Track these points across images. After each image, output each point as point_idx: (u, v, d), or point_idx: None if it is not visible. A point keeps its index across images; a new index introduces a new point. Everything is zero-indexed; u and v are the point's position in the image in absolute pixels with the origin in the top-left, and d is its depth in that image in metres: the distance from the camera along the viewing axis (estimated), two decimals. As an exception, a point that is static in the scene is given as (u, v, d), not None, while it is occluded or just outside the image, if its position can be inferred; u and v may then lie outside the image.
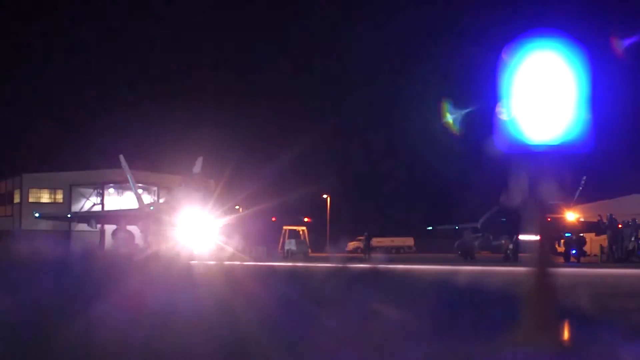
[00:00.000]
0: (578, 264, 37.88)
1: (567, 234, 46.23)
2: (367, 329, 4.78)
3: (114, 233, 57.68)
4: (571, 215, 47.71)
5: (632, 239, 41.56)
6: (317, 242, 76.44)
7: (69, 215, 68.04)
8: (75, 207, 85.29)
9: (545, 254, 4.29)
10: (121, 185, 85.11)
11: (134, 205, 66.87)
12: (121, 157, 65.74)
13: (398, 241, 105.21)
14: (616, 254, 41.42)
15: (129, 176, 66.53)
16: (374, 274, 6.42)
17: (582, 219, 51.19)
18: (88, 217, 63.66)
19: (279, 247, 59.61)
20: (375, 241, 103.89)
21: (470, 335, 5.06)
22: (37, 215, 67.80)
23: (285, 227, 67.03)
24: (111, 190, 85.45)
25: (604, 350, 4.43)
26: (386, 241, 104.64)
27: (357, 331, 4.70)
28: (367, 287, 5.85)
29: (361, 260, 17.97)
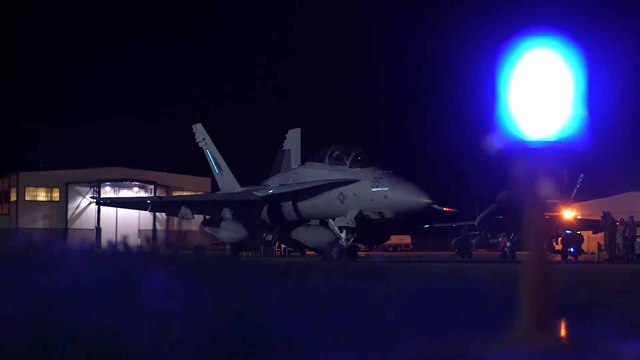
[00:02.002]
0: (575, 262, 37.91)
1: (567, 232, 46.20)
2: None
3: (212, 223, 43.24)
4: (568, 213, 47.73)
5: (639, 239, 41.67)
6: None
7: (148, 201, 50.67)
8: (72, 206, 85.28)
9: (542, 252, 4.29)
10: (118, 183, 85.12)
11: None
12: (199, 126, 52.09)
13: (395, 239, 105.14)
14: (613, 252, 41.49)
15: (207, 151, 51.88)
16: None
17: (579, 217, 51.22)
18: (176, 202, 46.82)
19: (276, 246, 59.47)
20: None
21: (466, 333, 5.06)
22: (98, 198, 53.34)
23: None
24: (107, 188, 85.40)
25: (602, 348, 4.43)
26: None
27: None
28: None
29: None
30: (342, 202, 36.29)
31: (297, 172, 41.60)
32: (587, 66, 4.14)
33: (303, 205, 39.15)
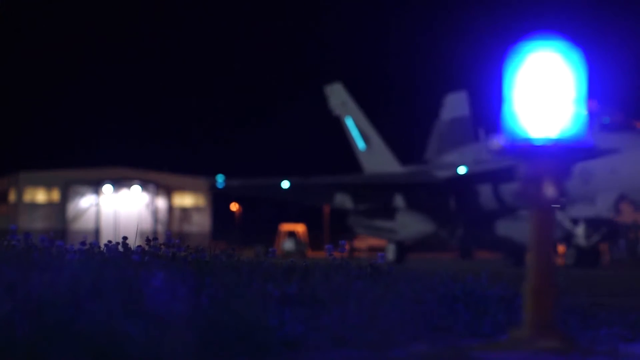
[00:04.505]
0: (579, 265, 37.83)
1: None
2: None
3: (380, 214, 30.15)
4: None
5: None
6: (321, 240, 75.55)
7: (284, 186, 33.43)
8: (72, 206, 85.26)
9: (547, 253, 4.27)
10: (119, 182, 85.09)
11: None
12: (336, 87, 39.25)
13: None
14: (617, 255, 41.43)
15: (348, 120, 39.20)
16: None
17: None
18: (325, 186, 32.08)
19: (276, 246, 59.56)
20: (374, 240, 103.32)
21: (470, 335, 5.04)
22: (220, 182, 38.45)
23: (282, 226, 67.07)
24: (108, 188, 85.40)
25: (605, 350, 4.40)
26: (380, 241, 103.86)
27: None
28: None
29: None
30: (585, 183, 24.57)
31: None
32: (590, 67, 4.17)
33: (513, 188, 27.20)
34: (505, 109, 4.13)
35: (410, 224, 30.83)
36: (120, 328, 4.06)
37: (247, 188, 43.64)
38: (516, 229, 28.55)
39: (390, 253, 32.00)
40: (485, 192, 28.87)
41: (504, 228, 29.30)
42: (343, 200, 33.12)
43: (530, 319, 4.23)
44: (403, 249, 32.28)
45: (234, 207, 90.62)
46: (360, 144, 39.38)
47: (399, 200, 31.19)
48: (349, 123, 39.71)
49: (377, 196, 32.22)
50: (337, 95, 40.11)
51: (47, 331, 4.01)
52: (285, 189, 35.16)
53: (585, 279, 17.45)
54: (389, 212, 31.54)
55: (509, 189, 27.65)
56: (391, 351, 4.34)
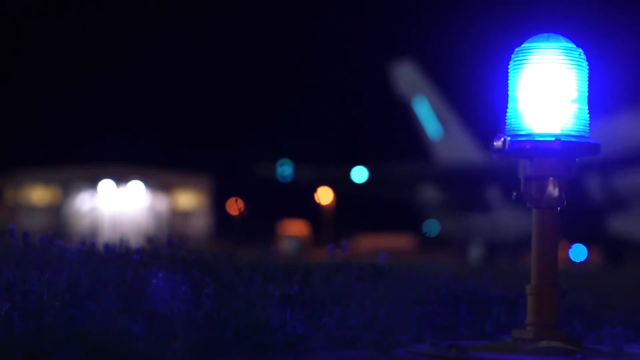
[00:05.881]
0: (581, 264, 37.92)
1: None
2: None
3: (473, 209, 26.97)
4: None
5: None
6: (324, 240, 75.18)
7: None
8: (72, 205, 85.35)
9: (550, 253, 4.25)
10: (119, 179, 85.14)
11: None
12: (404, 67, 34.75)
13: (392, 241, 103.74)
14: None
15: (419, 102, 34.34)
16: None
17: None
18: (396, 179, 28.87)
19: (277, 246, 59.63)
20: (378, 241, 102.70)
21: (473, 335, 5.03)
22: (285, 174, 33.56)
23: (283, 225, 67.18)
24: (108, 186, 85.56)
25: (609, 350, 4.38)
26: (382, 241, 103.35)
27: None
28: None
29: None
30: None
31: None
32: (594, 65, 4.17)
33: (626, 180, 22.74)
34: (509, 107, 4.14)
35: (506, 221, 27.48)
36: (120, 327, 4.05)
37: (322, 179, 36.08)
38: (626, 224, 25.63)
39: (477, 254, 29.18)
40: (591, 183, 25.09)
41: (616, 224, 25.99)
42: (427, 192, 29.41)
43: (532, 319, 4.21)
44: (493, 249, 28.94)
45: (234, 205, 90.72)
46: (432, 127, 34.42)
47: (493, 193, 27.89)
48: (420, 105, 34.79)
49: (468, 188, 28.37)
50: (405, 76, 35.38)
51: (46, 330, 4.00)
52: (360, 182, 29.88)
53: (589, 278, 17.43)
54: (482, 207, 28.29)
55: (620, 181, 24.48)
56: (393, 351, 4.34)
